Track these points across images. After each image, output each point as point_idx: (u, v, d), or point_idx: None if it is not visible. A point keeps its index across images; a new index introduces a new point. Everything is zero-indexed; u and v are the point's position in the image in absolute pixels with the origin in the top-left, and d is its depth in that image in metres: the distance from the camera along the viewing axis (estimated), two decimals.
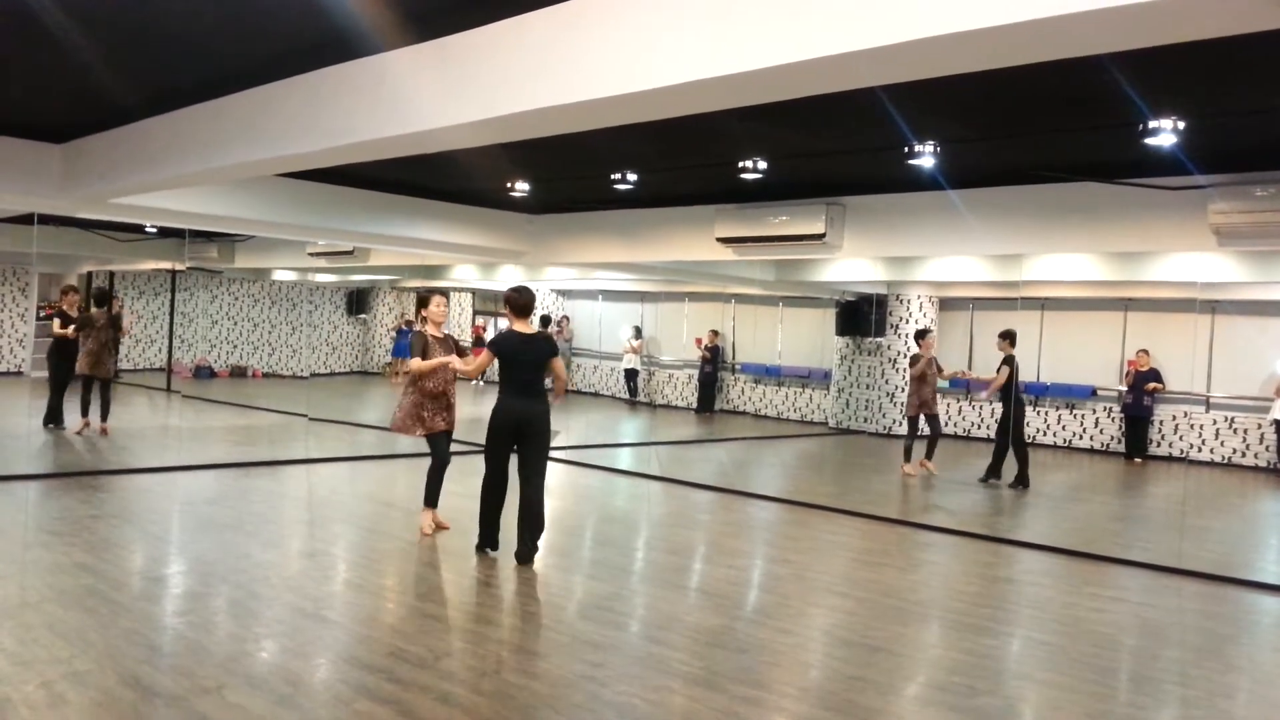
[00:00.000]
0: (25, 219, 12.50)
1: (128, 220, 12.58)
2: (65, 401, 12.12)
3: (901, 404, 16.55)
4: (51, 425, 11.97)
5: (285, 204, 10.81)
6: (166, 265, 18.50)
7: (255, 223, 11.39)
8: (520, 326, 6.91)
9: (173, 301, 20.20)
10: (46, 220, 12.92)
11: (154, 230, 15.12)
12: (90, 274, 19.16)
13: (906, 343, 16.54)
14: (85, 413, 11.99)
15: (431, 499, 7.54)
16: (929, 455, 12.09)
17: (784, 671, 4.99)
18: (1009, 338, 11.60)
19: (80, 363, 11.93)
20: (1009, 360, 11.48)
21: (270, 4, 5.33)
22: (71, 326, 11.95)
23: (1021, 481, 11.23)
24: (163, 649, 4.81)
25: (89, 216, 11.78)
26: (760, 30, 3.96)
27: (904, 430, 12.35)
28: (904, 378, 16.51)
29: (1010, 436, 11.34)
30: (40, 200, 9.69)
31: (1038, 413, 15.76)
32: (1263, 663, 5.66)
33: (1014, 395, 11.34)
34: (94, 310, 12.55)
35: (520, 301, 6.93)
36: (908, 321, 16.65)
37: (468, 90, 5.32)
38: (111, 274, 19.56)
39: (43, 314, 12.12)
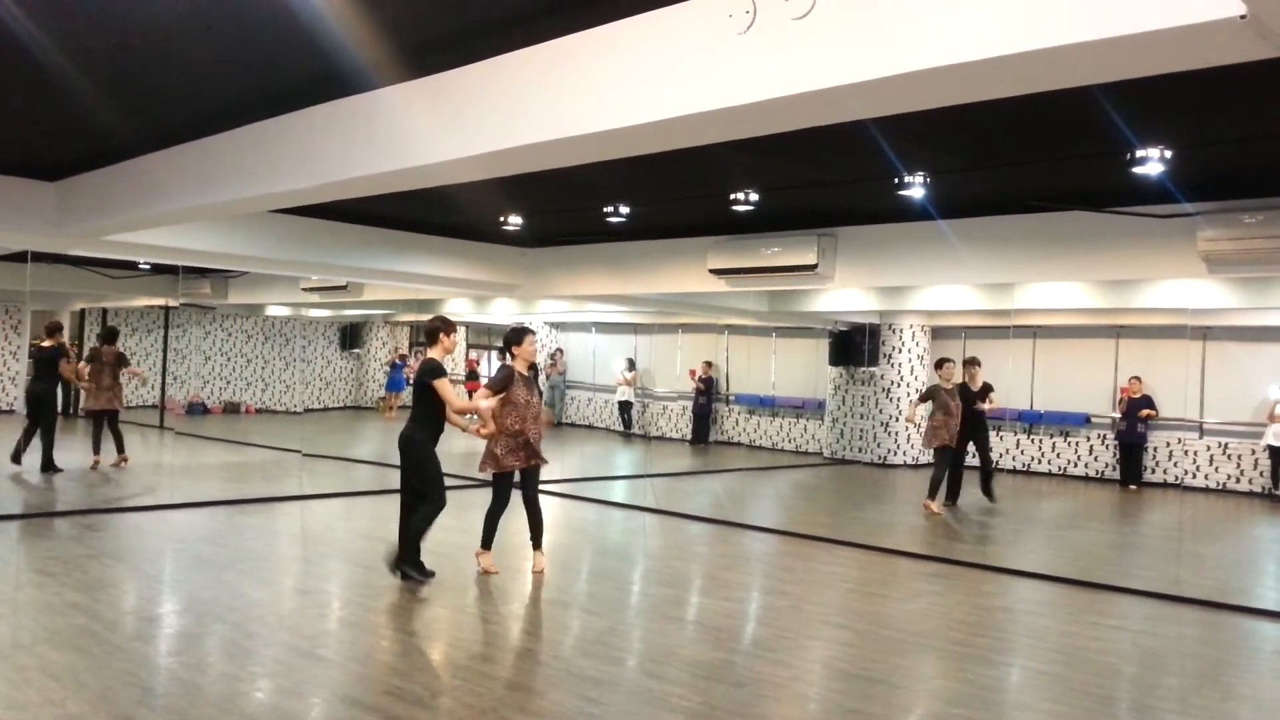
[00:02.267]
0: (19, 257, 12.50)
1: (121, 257, 12.59)
2: (59, 440, 12.08)
3: (896, 433, 16.57)
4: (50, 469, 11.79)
5: (279, 240, 10.83)
6: (159, 302, 18.47)
7: (249, 259, 11.41)
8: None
9: (166, 338, 20.14)
10: (40, 258, 12.94)
11: (147, 267, 15.13)
12: (83, 311, 19.13)
13: (900, 372, 16.58)
14: (97, 450, 12.10)
15: (486, 540, 7.43)
16: (949, 494, 11.37)
17: (783, 705, 4.95)
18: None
19: (90, 400, 12.15)
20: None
21: (265, 42, 5.37)
22: (81, 364, 12.06)
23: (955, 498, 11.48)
24: (157, 690, 4.77)
25: (83, 254, 11.80)
26: (750, 65, 4.00)
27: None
28: (898, 406, 16.54)
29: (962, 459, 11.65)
30: (34, 238, 9.71)
31: (1032, 440, 15.78)
32: (1263, 690, 5.63)
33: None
34: (104, 347, 12.58)
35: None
36: (901, 351, 16.69)
37: (461, 126, 5.36)
38: (105, 311, 19.54)
39: (34, 349, 12.15)
